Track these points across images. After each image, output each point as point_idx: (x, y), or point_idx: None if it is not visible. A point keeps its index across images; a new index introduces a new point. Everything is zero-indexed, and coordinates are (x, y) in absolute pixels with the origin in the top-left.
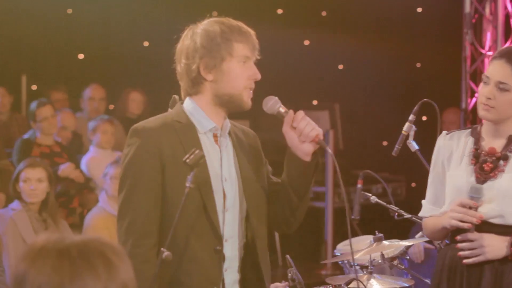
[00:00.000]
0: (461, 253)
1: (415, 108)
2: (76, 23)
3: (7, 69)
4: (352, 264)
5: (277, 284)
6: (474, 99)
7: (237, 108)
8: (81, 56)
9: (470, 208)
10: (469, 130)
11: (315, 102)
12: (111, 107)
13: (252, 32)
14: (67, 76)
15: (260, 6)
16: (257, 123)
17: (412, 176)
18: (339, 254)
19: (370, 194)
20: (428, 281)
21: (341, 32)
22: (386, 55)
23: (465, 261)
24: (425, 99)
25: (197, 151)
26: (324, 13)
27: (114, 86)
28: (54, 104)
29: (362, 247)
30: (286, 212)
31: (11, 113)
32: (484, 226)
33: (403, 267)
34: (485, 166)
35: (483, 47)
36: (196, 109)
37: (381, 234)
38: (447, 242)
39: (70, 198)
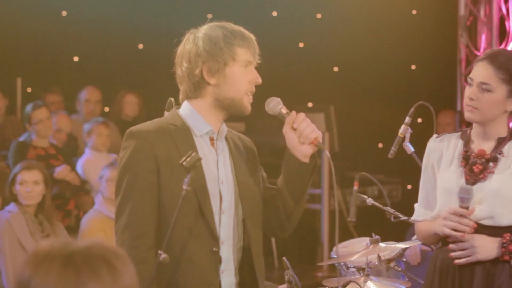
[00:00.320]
0: (452, 253)
1: (411, 110)
2: (70, 25)
3: (2, 71)
4: (349, 266)
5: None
6: None
7: (237, 113)
8: (76, 58)
9: (463, 216)
10: (459, 133)
11: (310, 105)
12: (106, 109)
13: (253, 36)
14: (62, 79)
15: (255, 9)
16: (252, 126)
17: (408, 178)
18: (335, 256)
19: (366, 196)
20: None
21: (336, 34)
22: (381, 57)
23: (456, 261)
24: (421, 101)
25: (193, 154)
26: (319, 16)
27: (109, 89)
28: (49, 106)
29: (359, 249)
30: (281, 217)
31: (6, 115)
32: (475, 228)
33: (399, 269)
34: (474, 168)
35: (478, 49)
36: (193, 113)
37: (377, 236)
38: (438, 245)
39: (66, 201)
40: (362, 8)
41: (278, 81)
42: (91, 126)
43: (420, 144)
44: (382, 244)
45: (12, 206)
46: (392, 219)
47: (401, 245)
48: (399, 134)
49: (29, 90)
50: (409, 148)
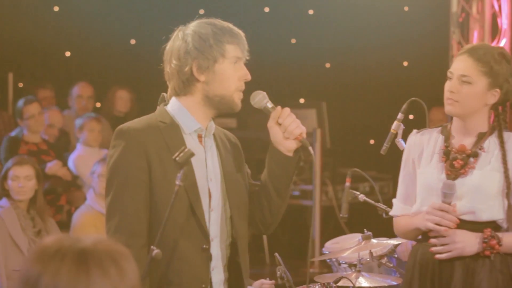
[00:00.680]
0: (433, 248)
1: (404, 106)
2: (62, 20)
3: None
4: (340, 262)
5: (263, 280)
6: None
7: (227, 110)
8: (67, 53)
9: (447, 212)
10: (440, 128)
11: (302, 101)
12: (98, 105)
13: (242, 33)
14: (54, 74)
15: (247, 4)
16: (244, 122)
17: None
18: (327, 252)
19: (358, 192)
20: None
21: (328, 30)
22: (373, 53)
23: (437, 256)
24: (413, 98)
25: (186, 149)
26: (311, 12)
27: (100, 84)
28: (41, 101)
29: (351, 245)
30: (265, 213)
31: None
32: (457, 223)
33: (391, 265)
34: (455, 164)
35: None
36: (182, 110)
37: (369, 233)
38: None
39: (58, 196)
40: (354, 4)
41: (270, 77)
42: (82, 121)
43: None
44: (374, 240)
45: (4, 201)
46: (384, 215)
47: (393, 242)
48: (391, 130)
49: (20, 85)
50: (402, 144)
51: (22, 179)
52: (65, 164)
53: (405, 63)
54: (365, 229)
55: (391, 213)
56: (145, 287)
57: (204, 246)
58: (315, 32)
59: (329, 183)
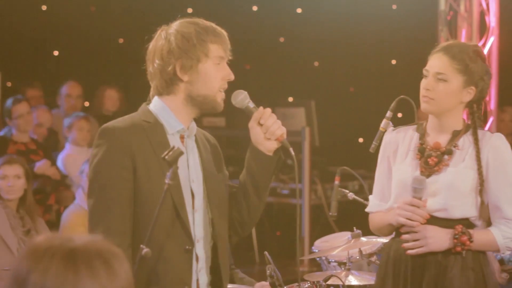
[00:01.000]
0: (405, 244)
1: (392, 104)
2: (50, 19)
3: None
4: (330, 260)
5: (263, 283)
6: None
7: (210, 110)
8: (56, 53)
9: (418, 207)
10: (415, 125)
11: (291, 99)
12: (87, 104)
13: (225, 32)
14: (42, 73)
15: (235, 3)
16: (233, 120)
17: None
18: (316, 250)
19: (347, 191)
20: None
21: (317, 29)
22: (361, 52)
23: (408, 251)
24: (402, 96)
25: (175, 148)
26: (299, 10)
27: (89, 83)
28: (30, 101)
29: (340, 244)
30: (243, 213)
31: None
32: (428, 220)
33: None
34: (429, 161)
35: None
36: (165, 110)
37: (359, 231)
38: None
39: (47, 195)
40: (342, 3)
41: (259, 75)
42: (71, 121)
43: None
44: (363, 239)
45: None
46: None
47: (382, 240)
48: (380, 128)
49: (9, 84)
50: None
51: (11, 178)
52: (54, 163)
53: (393, 61)
54: (354, 228)
55: (367, 209)
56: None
57: (187, 247)
58: (303, 31)
59: (318, 182)
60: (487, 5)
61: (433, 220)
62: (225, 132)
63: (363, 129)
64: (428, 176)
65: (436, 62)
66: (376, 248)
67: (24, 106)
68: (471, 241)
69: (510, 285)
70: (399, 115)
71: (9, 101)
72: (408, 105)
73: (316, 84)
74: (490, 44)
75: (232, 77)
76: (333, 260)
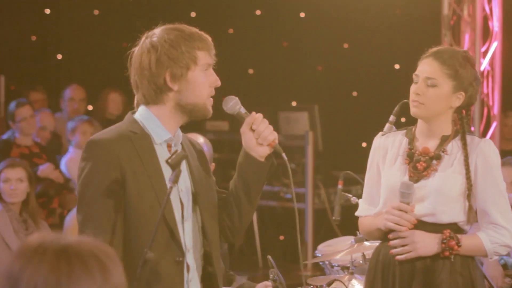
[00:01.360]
0: (393, 250)
1: (395, 109)
2: (54, 23)
3: None
4: (333, 265)
5: (266, 283)
6: None
7: (200, 117)
8: (59, 56)
9: (405, 211)
10: (404, 131)
11: (294, 103)
12: (90, 107)
13: (209, 38)
14: (46, 76)
15: (239, 7)
16: (236, 124)
17: None
18: (319, 255)
19: (350, 195)
20: None
21: (320, 33)
22: (365, 56)
23: (397, 257)
24: (405, 100)
25: (178, 151)
26: (302, 14)
27: (92, 87)
28: (33, 104)
29: (343, 248)
30: (234, 219)
31: None
32: (417, 225)
33: None
34: (418, 166)
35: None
36: (152, 119)
37: (362, 235)
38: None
39: (50, 199)
40: (345, 7)
41: (262, 80)
42: (75, 124)
43: None
44: (366, 243)
45: None
46: None
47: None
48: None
49: (12, 88)
50: None
51: (14, 181)
52: (57, 167)
53: (397, 66)
54: (357, 232)
55: (356, 213)
56: None
57: (179, 258)
58: (306, 35)
59: (322, 186)
60: (491, 9)
61: (421, 224)
62: (228, 136)
63: (366, 134)
64: (416, 181)
65: (426, 67)
66: None
67: (27, 109)
68: (459, 246)
69: None
70: (403, 119)
71: (12, 104)
72: None
73: (320, 88)
74: (493, 49)
75: (219, 83)
76: (336, 264)
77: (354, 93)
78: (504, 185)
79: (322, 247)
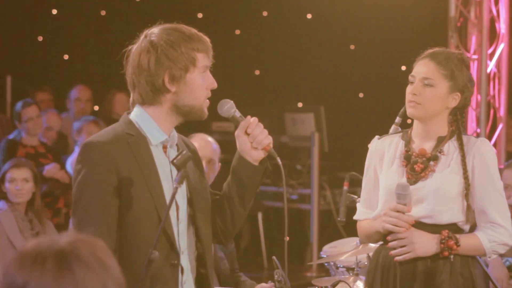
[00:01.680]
0: (392, 252)
1: (401, 110)
2: (61, 23)
3: None
4: (338, 266)
5: (263, 285)
6: None
7: (195, 119)
8: (66, 56)
9: (402, 212)
10: (400, 133)
11: (300, 105)
12: (96, 108)
13: (208, 39)
14: (52, 77)
15: (245, 8)
16: None
17: None
18: (325, 256)
19: (356, 196)
20: None
21: (327, 34)
22: (371, 57)
23: (396, 258)
24: None
25: (184, 152)
26: (309, 16)
27: (99, 87)
28: (39, 104)
29: (348, 249)
30: (226, 222)
31: None
32: (416, 226)
33: None
34: (416, 167)
35: (468, 51)
36: (148, 120)
37: (360, 239)
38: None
39: (56, 199)
40: (352, 8)
41: (268, 81)
42: (81, 124)
43: None
44: (371, 244)
45: (1, 204)
46: None
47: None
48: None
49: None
50: None
51: (20, 181)
52: (63, 167)
53: (403, 68)
54: None
55: (355, 217)
56: None
57: (174, 261)
58: (313, 36)
59: (327, 187)
60: (498, 11)
61: (421, 226)
62: (234, 137)
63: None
64: (414, 182)
65: (422, 68)
66: None
67: (33, 109)
68: (458, 245)
69: None
70: (408, 121)
71: (18, 105)
72: None
73: (326, 89)
74: (500, 51)
75: (215, 85)
76: (341, 266)
77: (360, 95)
78: (501, 184)
79: (327, 248)
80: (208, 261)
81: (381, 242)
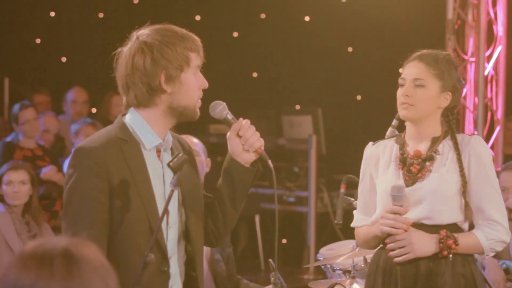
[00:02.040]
0: (391, 253)
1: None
2: (59, 26)
3: None
4: (335, 268)
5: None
6: None
7: (188, 120)
8: (64, 59)
9: (400, 215)
10: (394, 138)
11: (298, 107)
12: (94, 110)
13: (198, 38)
14: (50, 79)
15: (243, 11)
16: None
17: None
18: (321, 258)
19: (352, 199)
20: None
21: (324, 37)
22: (368, 59)
23: (395, 259)
24: None
25: (180, 154)
26: (307, 18)
27: (97, 90)
28: (37, 107)
29: (345, 252)
30: (218, 224)
31: None
32: (416, 228)
33: None
34: (412, 169)
35: (465, 53)
36: (142, 124)
37: (358, 246)
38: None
39: (53, 201)
40: (350, 11)
41: (266, 83)
42: (78, 127)
43: None
44: (359, 245)
45: None
46: None
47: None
48: (386, 137)
49: (16, 90)
50: None
51: (17, 184)
52: (60, 169)
53: (401, 70)
54: None
55: (352, 224)
56: None
57: (163, 268)
58: (311, 39)
59: (325, 190)
60: (495, 14)
61: (421, 227)
62: None
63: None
64: (412, 184)
65: (412, 70)
66: None
67: (30, 112)
68: (457, 244)
69: None
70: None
71: (16, 107)
72: None
73: (323, 92)
74: (497, 53)
75: (207, 85)
76: (338, 268)
77: (358, 97)
78: (497, 181)
79: (324, 251)
80: (198, 264)
81: (381, 245)
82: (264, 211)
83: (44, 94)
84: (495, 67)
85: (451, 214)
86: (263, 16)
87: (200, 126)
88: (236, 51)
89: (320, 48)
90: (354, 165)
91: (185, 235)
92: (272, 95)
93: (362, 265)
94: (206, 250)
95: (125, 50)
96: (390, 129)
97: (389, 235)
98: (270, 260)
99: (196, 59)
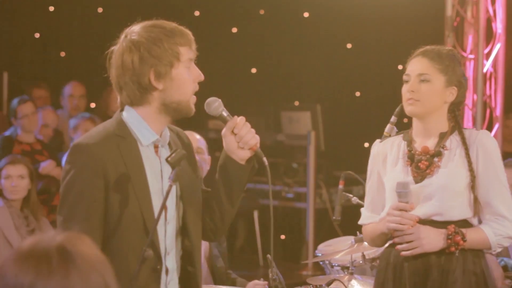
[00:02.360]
0: (399, 246)
1: (397, 109)
2: (58, 20)
3: None
4: (333, 264)
5: (256, 281)
6: None
7: (183, 116)
8: (63, 53)
9: (406, 211)
10: (401, 135)
11: (296, 103)
12: (93, 105)
13: (189, 32)
14: (49, 74)
15: (242, 7)
16: None
17: None
18: (320, 254)
19: (351, 195)
20: None
21: (323, 33)
22: (367, 56)
23: (403, 253)
24: None
25: (178, 149)
26: (306, 14)
27: (95, 84)
28: (36, 101)
29: (343, 248)
30: (215, 220)
31: None
32: (427, 224)
33: None
34: (420, 165)
35: (464, 50)
36: (139, 121)
37: (362, 235)
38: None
39: (51, 196)
40: (349, 7)
41: (265, 79)
42: (77, 121)
43: None
44: (366, 243)
45: None
46: None
47: (386, 244)
48: (384, 133)
49: (15, 84)
50: None
51: (15, 178)
52: (59, 164)
53: (400, 67)
54: (358, 232)
55: (360, 222)
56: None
57: (157, 266)
58: (310, 35)
59: (323, 186)
60: (494, 11)
61: (431, 224)
62: None
63: (368, 134)
64: (421, 180)
65: (416, 65)
66: (379, 252)
67: (29, 106)
68: (465, 241)
69: None
70: (404, 120)
71: (14, 101)
72: None
73: (322, 88)
74: (496, 51)
75: (202, 77)
76: (336, 264)
77: (357, 93)
78: (505, 176)
79: (323, 247)
80: (196, 259)
81: (390, 242)
82: (262, 207)
83: (43, 88)
84: (494, 65)
85: (462, 210)
86: (262, 12)
87: (199, 122)
88: (235, 47)
89: (319, 44)
90: (353, 161)
91: (183, 230)
92: (271, 91)
93: (361, 261)
94: (205, 245)
95: (115, 50)
96: (388, 126)
97: (396, 231)
98: (269, 256)
99: (188, 53)
